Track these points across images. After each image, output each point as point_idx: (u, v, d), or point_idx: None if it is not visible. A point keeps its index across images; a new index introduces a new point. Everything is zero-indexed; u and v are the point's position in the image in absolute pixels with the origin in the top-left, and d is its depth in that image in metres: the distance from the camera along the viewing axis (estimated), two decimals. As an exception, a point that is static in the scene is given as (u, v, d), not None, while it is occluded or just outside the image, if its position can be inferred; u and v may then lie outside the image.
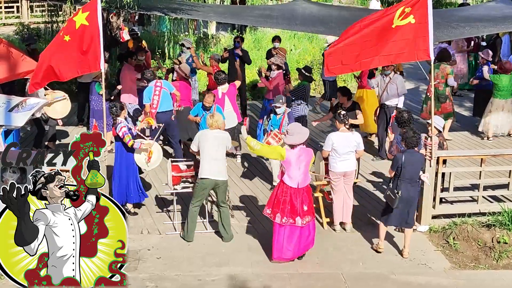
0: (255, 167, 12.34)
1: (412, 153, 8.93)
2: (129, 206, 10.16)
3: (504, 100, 13.55)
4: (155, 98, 11.87)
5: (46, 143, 12.76)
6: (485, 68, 14.29)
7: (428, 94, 13.31)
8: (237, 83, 12.71)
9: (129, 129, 9.84)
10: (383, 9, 9.67)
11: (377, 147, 13.13)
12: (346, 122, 9.64)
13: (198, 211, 9.43)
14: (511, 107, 13.64)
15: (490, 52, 14.97)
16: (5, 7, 26.83)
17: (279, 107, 10.93)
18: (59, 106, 11.76)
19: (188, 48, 14.93)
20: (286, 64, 14.67)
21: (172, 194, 9.99)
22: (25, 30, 23.20)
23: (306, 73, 13.06)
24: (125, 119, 10.04)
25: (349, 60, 9.51)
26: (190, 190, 9.73)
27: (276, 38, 15.75)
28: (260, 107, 14.92)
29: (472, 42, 17.30)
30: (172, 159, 10.23)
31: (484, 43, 17.29)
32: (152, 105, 11.88)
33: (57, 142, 13.12)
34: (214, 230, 9.62)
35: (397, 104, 12.26)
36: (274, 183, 11.07)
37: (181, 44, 15.34)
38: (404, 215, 8.95)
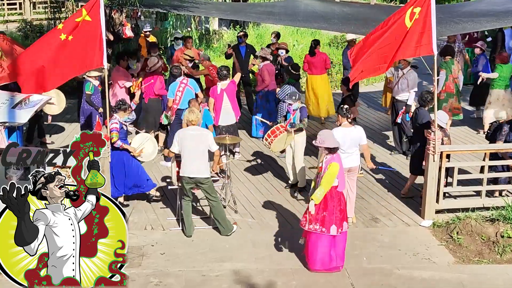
0: (258, 163, 12.34)
1: (420, 110, 10.64)
2: (120, 198, 10.26)
3: (503, 91, 13.63)
4: (178, 94, 11.87)
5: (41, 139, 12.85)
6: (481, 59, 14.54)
7: (442, 93, 13.37)
8: (237, 76, 12.75)
9: (121, 126, 9.95)
10: (397, 11, 9.67)
11: (388, 142, 13.32)
12: (349, 116, 9.63)
13: (190, 205, 9.45)
14: (510, 96, 13.70)
15: (485, 44, 15.17)
16: (8, 4, 26.85)
17: (291, 104, 10.73)
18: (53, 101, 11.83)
19: (180, 38, 15.15)
20: (290, 58, 14.59)
21: (176, 190, 9.99)
22: (28, 27, 23.19)
23: (293, 71, 13.06)
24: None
25: (368, 67, 9.59)
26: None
27: (274, 33, 15.80)
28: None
29: (467, 36, 17.35)
30: (176, 155, 10.24)
31: (489, 39, 17.37)
32: (174, 100, 11.89)
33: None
34: (215, 226, 9.62)
35: (407, 100, 12.26)
36: (300, 185, 10.98)
37: (174, 38, 15.50)
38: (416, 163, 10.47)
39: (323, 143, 8.29)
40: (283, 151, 11.26)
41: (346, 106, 9.76)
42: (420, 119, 10.61)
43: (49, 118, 12.86)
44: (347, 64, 14.63)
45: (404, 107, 12.24)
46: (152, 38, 16.43)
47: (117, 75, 13.01)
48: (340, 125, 9.64)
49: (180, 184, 9.66)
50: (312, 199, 8.21)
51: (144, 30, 16.91)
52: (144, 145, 10.16)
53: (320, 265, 8.45)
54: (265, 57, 13.62)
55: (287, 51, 14.64)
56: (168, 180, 10.43)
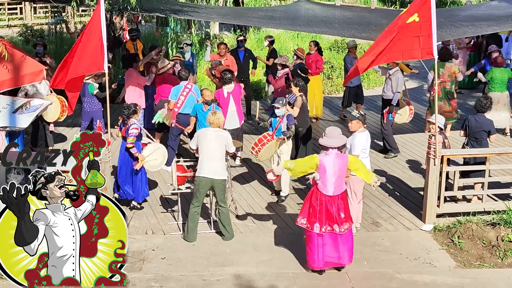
0: (259, 167, 12.34)
1: (478, 116, 10.46)
2: (135, 202, 10.35)
3: (500, 93, 13.67)
4: (181, 98, 11.86)
5: (50, 148, 12.78)
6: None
7: (432, 93, 13.41)
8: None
9: (140, 131, 10.01)
10: (404, 11, 9.72)
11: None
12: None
13: (199, 212, 9.42)
14: (506, 100, 13.75)
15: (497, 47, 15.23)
16: (9, 9, 26.92)
17: (278, 107, 10.65)
18: (50, 109, 11.65)
19: (190, 44, 15.08)
20: (302, 64, 14.39)
21: (176, 194, 10.00)
22: (29, 31, 23.24)
23: (302, 74, 13.00)
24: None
25: (363, 62, 9.67)
26: (194, 190, 9.74)
27: (268, 37, 15.80)
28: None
29: (472, 40, 17.40)
30: (177, 159, 10.25)
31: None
32: (176, 104, 11.88)
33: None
34: (218, 230, 9.62)
35: (391, 100, 12.42)
36: (283, 194, 10.91)
37: (183, 44, 15.36)
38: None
39: (323, 141, 8.37)
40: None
41: (363, 112, 9.94)
42: (480, 126, 10.45)
43: (51, 125, 12.83)
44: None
45: (387, 107, 12.42)
46: (139, 43, 16.06)
47: (131, 78, 13.16)
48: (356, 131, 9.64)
49: (181, 188, 9.67)
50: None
51: (129, 33, 16.40)
52: (154, 155, 10.14)
53: (312, 262, 8.47)
54: (285, 64, 13.50)
55: (298, 57, 14.42)
56: (168, 184, 10.42)
